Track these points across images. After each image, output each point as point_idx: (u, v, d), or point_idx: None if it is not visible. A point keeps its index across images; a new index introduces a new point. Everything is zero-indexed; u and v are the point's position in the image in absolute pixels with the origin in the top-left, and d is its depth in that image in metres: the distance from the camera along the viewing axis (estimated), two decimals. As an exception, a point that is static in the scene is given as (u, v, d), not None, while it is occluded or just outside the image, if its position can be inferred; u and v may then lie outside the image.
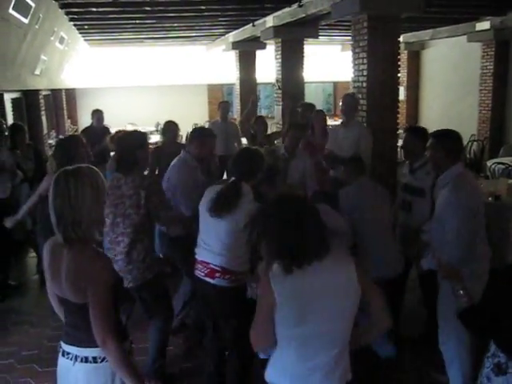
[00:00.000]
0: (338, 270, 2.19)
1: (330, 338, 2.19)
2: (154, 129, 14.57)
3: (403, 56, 14.12)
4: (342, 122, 6.38)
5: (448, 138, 3.55)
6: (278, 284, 2.13)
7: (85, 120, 9.17)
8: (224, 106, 8.59)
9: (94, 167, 2.39)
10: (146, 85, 16.27)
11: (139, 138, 3.83)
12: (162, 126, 7.11)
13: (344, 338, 2.23)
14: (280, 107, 10.47)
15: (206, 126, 10.05)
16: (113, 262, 3.66)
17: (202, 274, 3.44)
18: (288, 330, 2.17)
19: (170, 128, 6.38)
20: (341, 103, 6.34)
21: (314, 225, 2.17)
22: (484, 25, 10.70)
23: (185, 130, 12.13)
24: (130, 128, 14.99)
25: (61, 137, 7.28)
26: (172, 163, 4.60)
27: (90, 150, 4.71)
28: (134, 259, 3.59)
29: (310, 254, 2.13)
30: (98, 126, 8.09)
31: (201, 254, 3.47)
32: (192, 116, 16.29)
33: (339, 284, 2.17)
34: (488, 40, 11.16)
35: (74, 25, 9.79)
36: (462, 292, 2.63)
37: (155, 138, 11.93)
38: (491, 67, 11.39)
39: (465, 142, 10.52)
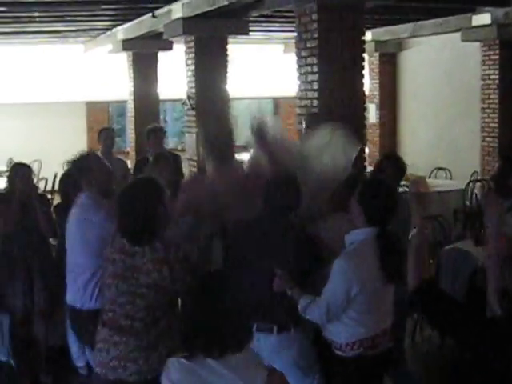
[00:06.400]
0: (246, 375, 2.68)
1: None
2: (5, 169, 14.13)
3: (373, 60, 14.63)
4: None
5: None
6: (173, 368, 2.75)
7: None
8: (106, 135, 8.56)
9: None
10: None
11: (155, 187, 3.92)
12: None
13: None
14: (194, 135, 10.52)
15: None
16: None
17: None
18: None
19: (19, 173, 6.33)
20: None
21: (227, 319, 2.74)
22: (483, 18, 11.16)
23: (51, 171, 11.97)
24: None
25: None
26: None
27: None
28: (143, 346, 3.75)
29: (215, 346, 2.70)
30: None
31: None
32: (63, 148, 15.94)
33: None
34: (490, 39, 11.60)
35: None
36: None
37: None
38: (495, 77, 11.79)
39: (464, 183, 10.84)
